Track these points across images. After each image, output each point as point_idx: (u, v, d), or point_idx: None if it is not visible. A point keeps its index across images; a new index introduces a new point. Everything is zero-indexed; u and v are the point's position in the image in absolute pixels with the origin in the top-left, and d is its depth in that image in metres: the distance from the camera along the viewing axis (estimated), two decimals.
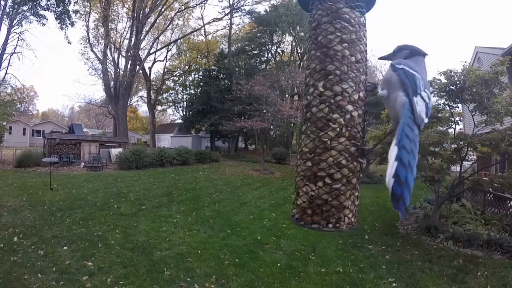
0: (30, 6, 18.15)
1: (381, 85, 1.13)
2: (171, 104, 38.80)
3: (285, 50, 34.60)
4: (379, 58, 1.16)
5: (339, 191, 1.06)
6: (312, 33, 1.18)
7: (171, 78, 35.68)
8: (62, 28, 19.38)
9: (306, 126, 1.14)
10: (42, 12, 18.59)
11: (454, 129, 7.19)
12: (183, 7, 28.24)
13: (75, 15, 21.71)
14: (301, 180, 1.13)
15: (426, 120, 0.99)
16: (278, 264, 4.99)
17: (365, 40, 1.18)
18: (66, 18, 19.03)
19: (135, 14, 24.30)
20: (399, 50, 1.11)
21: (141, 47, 26.76)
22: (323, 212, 1.08)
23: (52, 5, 18.29)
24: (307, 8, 1.25)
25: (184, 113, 34.06)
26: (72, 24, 19.65)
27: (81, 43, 26.50)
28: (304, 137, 1.14)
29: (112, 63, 26.33)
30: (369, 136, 7.44)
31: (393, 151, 0.85)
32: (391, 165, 0.82)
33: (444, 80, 6.65)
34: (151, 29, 27.26)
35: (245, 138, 33.59)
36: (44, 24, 18.86)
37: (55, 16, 18.66)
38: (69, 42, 20.89)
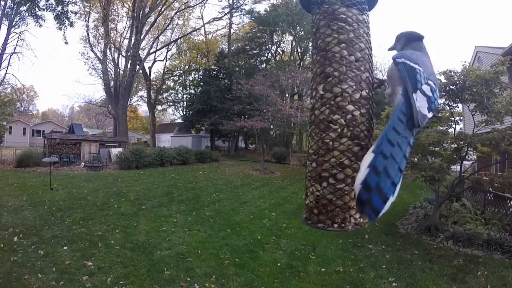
0: (28, 7, 18.12)
1: (386, 83, 1.11)
2: (171, 104, 38.80)
3: (285, 50, 34.61)
4: (388, 49, 1.14)
5: (343, 191, 1.07)
6: (313, 38, 1.18)
7: (171, 77, 35.68)
8: (60, 29, 19.36)
9: (311, 129, 1.14)
10: (41, 12, 18.58)
11: (454, 128, 7.19)
12: (183, 7, 28.24)
13: (75, 16, 21.71)
14: (308, 180, 1.14)
15: (429, 115, 0.91)
16: (278, 264, 4.99)
17: (366, 37, 1.17)
18: (65, 19, 19.01)
19: (135, 14, 24.29)
20: (397, 40, 1.10)
21: (141, 46, 26.77)
22: (328, 212, 1.09)
23: (51, 5, 18.27)
24: (309, 9, 1.25)
25: (184, 112, 34.08)
26: (71, 24, 19.63)
27: (81, 43, 26.63)
28: (309, 139, 1.15)
29: (112, 63, 26.34)
30: None
31: (367, 157, 0.79)
32: (362, 172, 0.77)
33: (444, 80, 6.64)
34: (151, 29, 27.25)
35: (245, 137, 33.59)
36: (41, 26, 18.83)
37: (54, 16, 18.65)
38: (66, 43, 20.79)
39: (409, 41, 1.05)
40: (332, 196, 1.02)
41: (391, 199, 0.77)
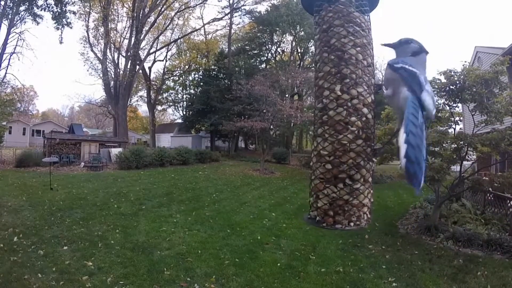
0: (27, 6, 18.09)
1: (384, 85, 1.14)
2: (171, 104, 38.78)
3: (285, 50, 34.59)
4: (382, 44, 1.16)
5: (359, 191, 1.09)
6: (324, 35, 1.18)
7: (171, 78, 35.68)
8: (57, 28, 19.28)
9: (323, 129, 1.14)
10: (39, 12, 18.52)
11: (454, 129, 7.19)
12: (183, 7, 28.24)
13: (74, 16, 21.63)
14: (320, 183, 1.14)
15: (434, 111, 1.07)
16: (278, 264, 4.99)
17: (372, 44, 1.19)
18: (63, 19, 18.93)
19: (135, 14, 24.28)
20: (406, 43, 1.11)
21: (141, 47, 26.76)
22: (345, 212, 1.10)
23: (50, 5, 18.22)
24: (311, 9, 1.25)
25: (184, 113, 34.09)
26: (68, 24, 19.55)
27: (81, 43, 26.54)
28: (321, 140, 1.15)
29: (112, 63, 26.32)
30: None
31: (401, 136, 0.94)
32: (402, 148, 0.91)
33: (444, 80, 6.64)
34: (151, 29, 27.25)
35: (245, 138, 33.59)
36: (38, 23, 18.78)
37: (52, 16, 18.58)
38: (60, 42, 20.68)
39: (419, 52, 1.08)
40: (349, 196, 1.04)
41: (424, 172, 0.91)
